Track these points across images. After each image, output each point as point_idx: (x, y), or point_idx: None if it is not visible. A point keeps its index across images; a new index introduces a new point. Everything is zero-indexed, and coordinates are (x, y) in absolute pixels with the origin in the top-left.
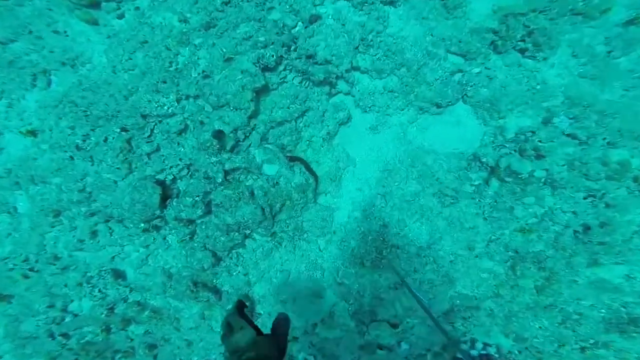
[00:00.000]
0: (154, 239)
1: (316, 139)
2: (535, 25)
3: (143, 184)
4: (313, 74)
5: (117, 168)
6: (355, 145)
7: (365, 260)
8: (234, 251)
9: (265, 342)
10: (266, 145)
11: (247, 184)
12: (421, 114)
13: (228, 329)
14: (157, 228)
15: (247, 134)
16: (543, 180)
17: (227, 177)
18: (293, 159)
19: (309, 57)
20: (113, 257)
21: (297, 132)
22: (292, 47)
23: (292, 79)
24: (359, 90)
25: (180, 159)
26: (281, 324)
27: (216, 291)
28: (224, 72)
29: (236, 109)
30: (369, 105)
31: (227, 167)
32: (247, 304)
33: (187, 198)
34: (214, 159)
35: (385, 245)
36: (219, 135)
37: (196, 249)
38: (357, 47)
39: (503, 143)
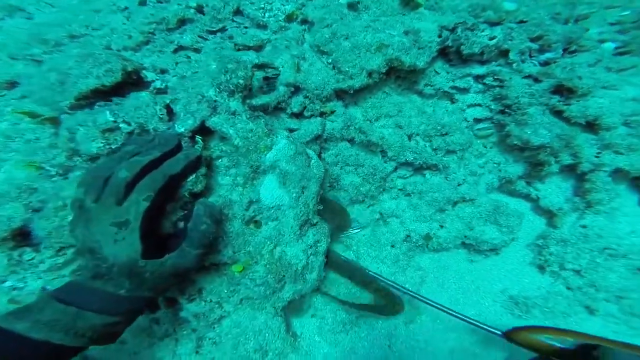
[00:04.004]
0: None
1: (396, 227)
2: None
3: None
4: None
5: None
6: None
7: None
8: None
9: (153, 274)
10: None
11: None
12: None
13: (118, 190)
14: None
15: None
16: None
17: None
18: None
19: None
20: None
21: (374, 187)
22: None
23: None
24: None
25: None
26: (195, 234)
27: None
28: None
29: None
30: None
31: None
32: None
33: None
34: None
35: None
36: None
37: None
38: None
39: None
